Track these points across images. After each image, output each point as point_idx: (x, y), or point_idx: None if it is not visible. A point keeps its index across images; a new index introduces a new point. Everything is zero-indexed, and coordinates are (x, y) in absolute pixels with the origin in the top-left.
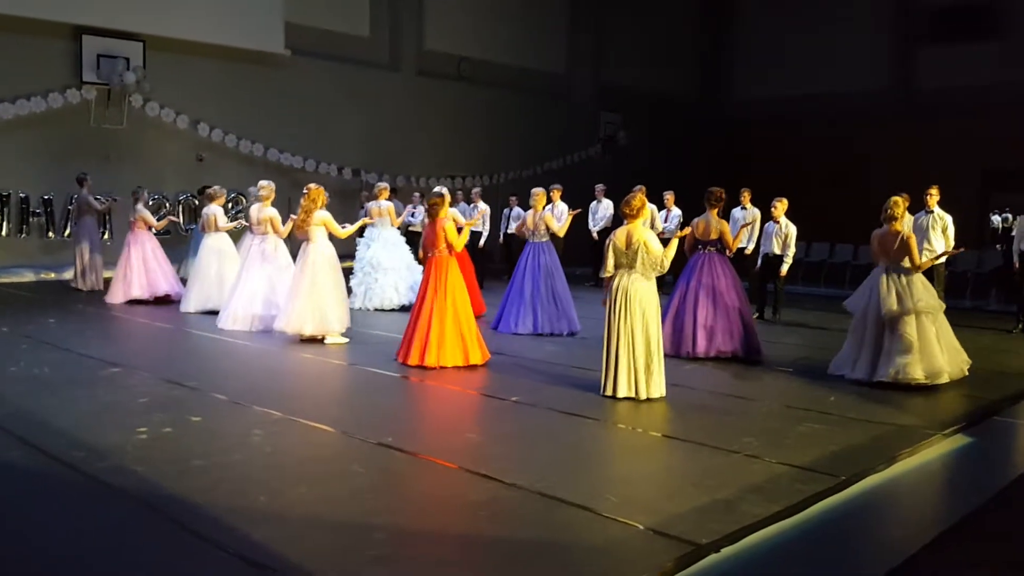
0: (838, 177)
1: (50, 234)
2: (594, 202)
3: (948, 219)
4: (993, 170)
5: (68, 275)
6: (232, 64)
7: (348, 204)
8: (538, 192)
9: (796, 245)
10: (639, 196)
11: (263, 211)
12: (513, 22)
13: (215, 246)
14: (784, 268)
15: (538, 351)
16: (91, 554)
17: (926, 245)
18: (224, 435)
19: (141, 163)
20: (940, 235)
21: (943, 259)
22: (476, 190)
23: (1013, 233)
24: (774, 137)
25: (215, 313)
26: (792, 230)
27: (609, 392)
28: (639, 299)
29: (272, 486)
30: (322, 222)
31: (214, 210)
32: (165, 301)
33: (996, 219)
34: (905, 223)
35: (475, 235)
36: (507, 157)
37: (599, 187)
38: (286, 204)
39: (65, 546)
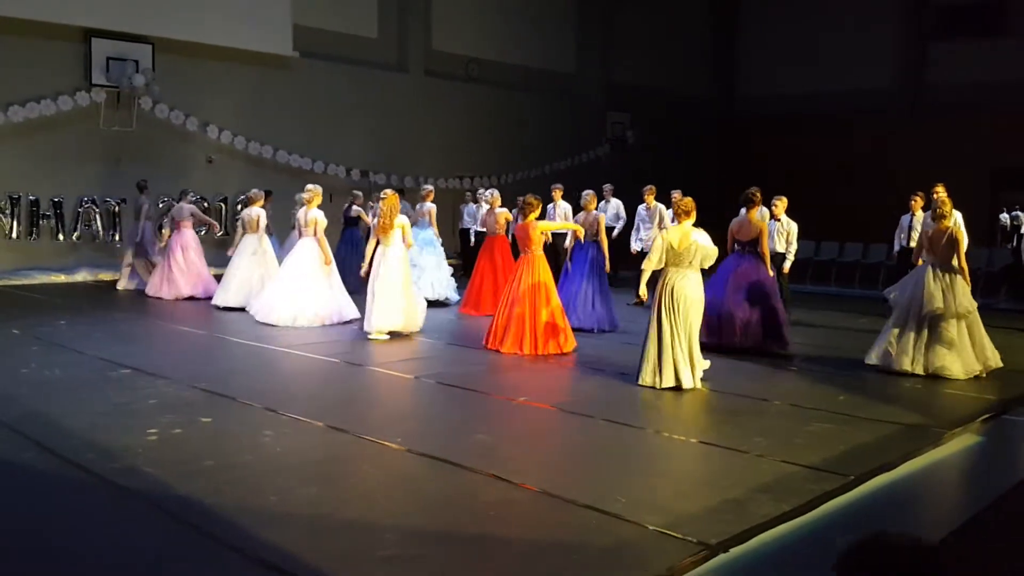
0: (847, 175)
1: (60, 236)
2: (602, 202)
3: (958, 216)
4: (1002, 168)
5: (79, 277)
6: (241, 66)
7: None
8: (589, 194)
9: (801, 243)
10: (690, 199)
11: (309, 213)
12: (521, 22)
13: (252, 246)
14: (787, 265)
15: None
16: (103, 555)
17: None
18: (234, 436)
19: (151, 165)
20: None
21: None
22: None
23: (1022, 231)
24: (783, 135)
25: (244, 310)
26: (793, 227)
27: (648, 382)
28: (687, 296)
29: (282, 487)
30: (399, 226)
31: (256, 212)
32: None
33: (1005, 217)
34: (954, 220)
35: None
36: (515, 157)
37: (607, 187)
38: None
39: (77, 547)
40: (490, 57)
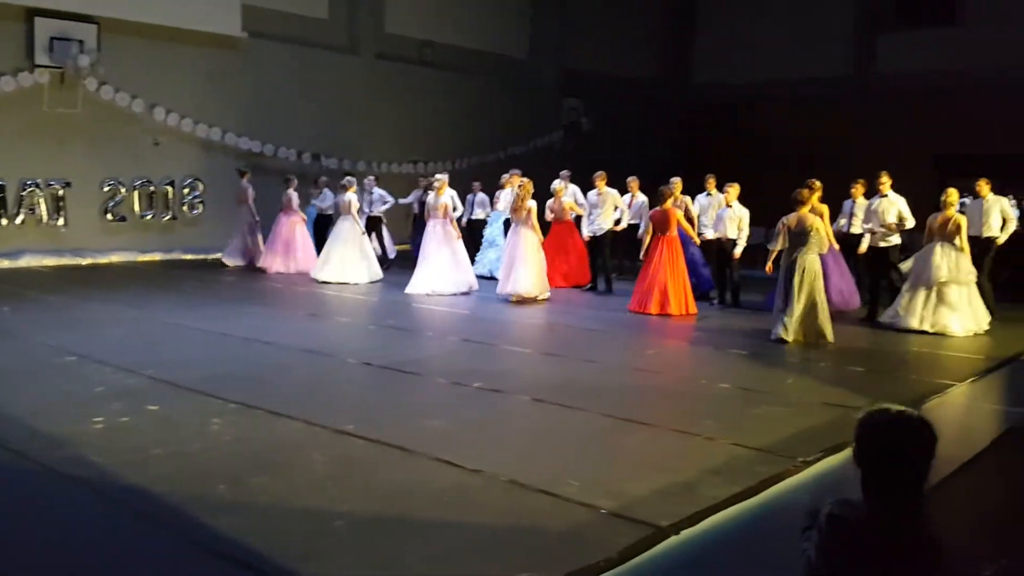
0: (799, 162)
1: (3, 220)
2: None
3: (901, 202)
4: (948, 155)
5: (23, 262)
6: (188, 47)
7: (306, 189)
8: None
9: (752, 229)
10: (807, 189)
11: (438, 199)
12: (475, 5)
13: (347, 226)
14: (738, 251)
15: (507, 336)
16: (49, 545)
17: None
18: (182, 424)
19: (96, 148)
20: (895, 218)
21: (894, 239)
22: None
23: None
24: (737, 122)
25: (347, 284)
26: (745, 214)
27: (784, 336)
28: (811, 270)
29: (232, 475)
30: (528, 209)
31: (350, 197)
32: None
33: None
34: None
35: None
36: (470, 143)
37: (564, 173)
38: (256, 190)
39: (21, 537)
40: (444, 41)
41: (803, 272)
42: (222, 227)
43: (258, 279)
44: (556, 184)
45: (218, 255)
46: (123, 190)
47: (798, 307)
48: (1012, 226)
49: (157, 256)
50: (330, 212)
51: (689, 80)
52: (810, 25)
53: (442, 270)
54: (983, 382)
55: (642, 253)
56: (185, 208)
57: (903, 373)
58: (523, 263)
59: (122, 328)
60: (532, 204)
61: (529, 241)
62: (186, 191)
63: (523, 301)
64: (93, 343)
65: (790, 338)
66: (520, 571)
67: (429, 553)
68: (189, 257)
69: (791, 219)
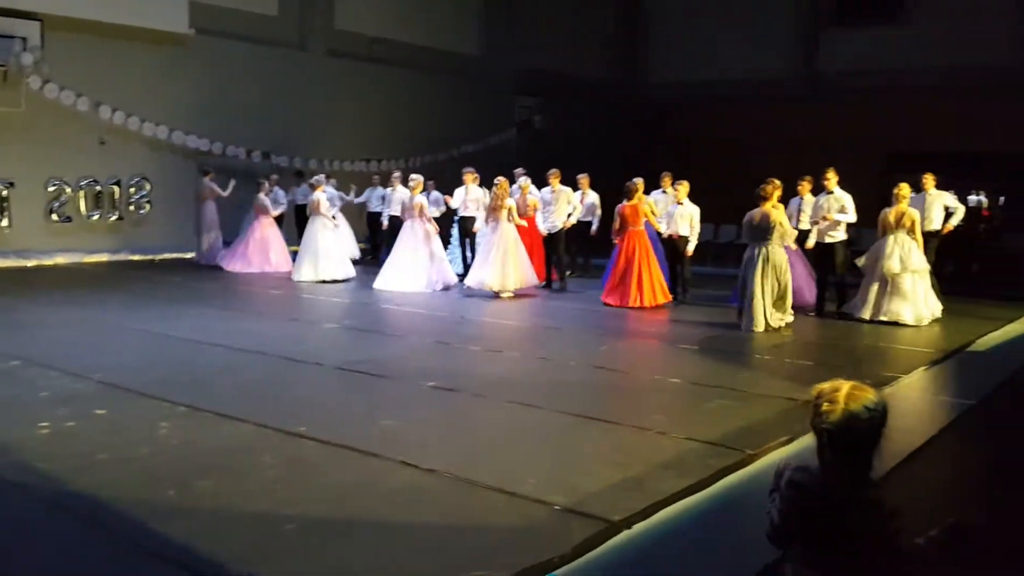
0: (748, 160)
1: None
2: (514, 185)
3: (846, 199)
4: (897, 153)
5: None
6: (135, 44)
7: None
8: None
9: (703, 226)
10: (771, 185)
11: (414, 199)
12: (426, 2)
13: (320, 225)
14: (690, 249)
15: (463, 334)
16: None
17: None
18: (130, 429)
19: (40, 147)
20: (839, 214)
21: (839, 233)
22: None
23: None
24: (687, 120)
25: (325, 282)
26: (696, 211)
27: (757, 328)
28: (775, 262)
29: (180, 479)
30: (507, 208)
31: (319, 196)
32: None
33: None
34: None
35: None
36: (422, 141)
37: (519, 171)
38: (199, 188)
39: None
40: (396, 38)
41: (768, 264)
42: (170, 227)
43: (214, 279)
44: (522, 180)
45: (166, 255)
46: (68, 190)
47: (767, 298)
48: (960, 213)
49: (104, 257)
50: (283, 211)
51: (641, 79)
52: (759, 23)
53: (418, 269)
54: (930, 373)
55: (614, 236)
56: (132, 208)
57: (853, 366)
58: (509, 258)
59: (68, 331)
60: (511, 202)
61: (512, 236)
62: (133, 191)
63: (496, 295)
64: (38, 347)
65: (758, 327)
66: (474, 569)
67: (381, 554)
68: (137, 258)
69: (755, 213)
